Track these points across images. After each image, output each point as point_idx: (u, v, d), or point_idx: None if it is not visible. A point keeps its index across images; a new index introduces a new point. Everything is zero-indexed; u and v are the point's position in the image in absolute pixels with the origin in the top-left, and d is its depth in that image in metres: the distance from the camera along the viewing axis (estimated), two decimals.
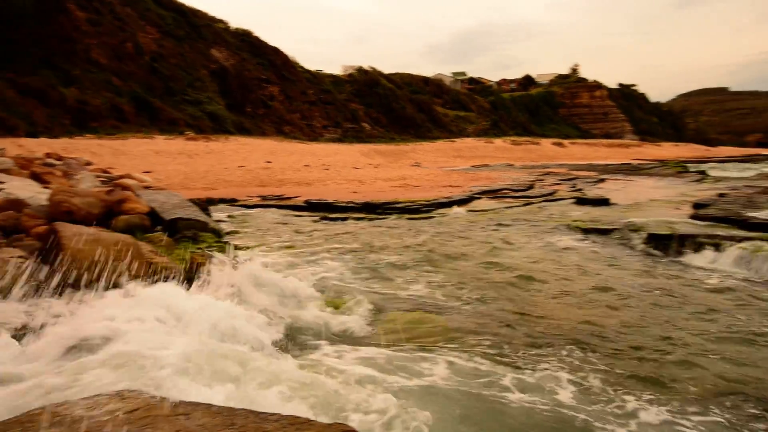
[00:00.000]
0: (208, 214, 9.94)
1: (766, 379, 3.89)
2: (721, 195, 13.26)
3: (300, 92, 55.41)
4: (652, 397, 3.60)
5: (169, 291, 4.11)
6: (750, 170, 33.80)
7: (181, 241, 6.54)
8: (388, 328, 4.78)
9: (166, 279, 4.48)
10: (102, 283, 3.96)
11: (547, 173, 29.00)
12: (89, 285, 3.91)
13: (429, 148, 52.69)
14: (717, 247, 7.82)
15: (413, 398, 3.42)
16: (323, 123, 55.24)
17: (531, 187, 19.50)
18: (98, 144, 25.89)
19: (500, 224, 11.08)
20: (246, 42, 54.39)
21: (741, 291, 6.19)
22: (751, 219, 8.76)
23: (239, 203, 14.34)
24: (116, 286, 4.02)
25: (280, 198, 15.64)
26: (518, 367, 4.03)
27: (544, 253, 8.28)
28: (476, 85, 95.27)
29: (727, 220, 9.07)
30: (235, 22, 64.04)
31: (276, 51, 57.20)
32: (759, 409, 3.46)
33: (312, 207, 13.65)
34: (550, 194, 16.95)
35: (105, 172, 13.29)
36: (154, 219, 6.76)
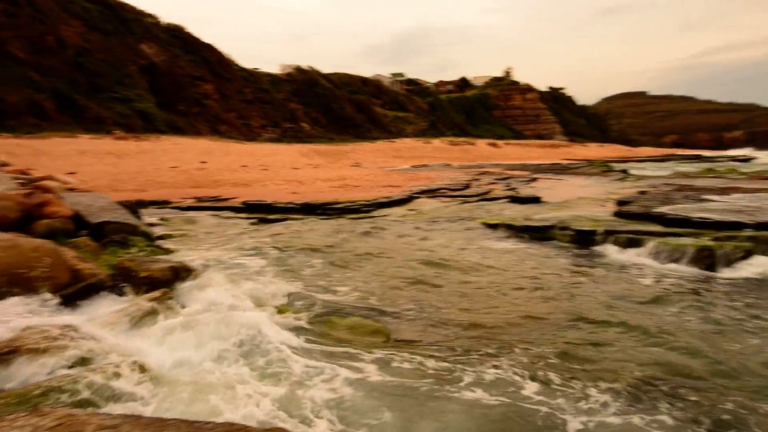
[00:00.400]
0: (139, 217, 9.52)
1: (674, 362, 4.19)
2: (642, 193, 14.15)
3: (236, 91, 54.05)
4: (598, 386, 3.80)
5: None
6: (667, 169, 36.31)
7: (109, 245, 6.24)
8: (327, 331, 4.78)
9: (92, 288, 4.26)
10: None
11: (483, 173, 29.85)
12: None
13: (369, 149, 52.86)
14: (637, 243, 8.35)
15: (359, 396, 3.45)
16: (261, 122, 54.17)
17: (468, 186, 20.00)
18: (16, 144, 24.12)
19: (438, 223, 11.31)
20: (178, 38, 52.42)
21: (658, 283, 6.64)
22: (667, 215, 9.40)
23: (173, 205, 13.82)
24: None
25: (216, 199, 15.21)
26: (462, 363, 4.14)
27: (479, 252, 8.52)
28: (414, 86, 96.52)
29: (646, 216, 9.68)
30: (166, 16, 61.62)
31: (210, 48, 55.50)
32: (667, 392, 3.73)
33: (250, 208, 13.37)
34: (486, 193, 17.46)
35: (24, 173, 12.39)
36: (79, 223, 6.41)
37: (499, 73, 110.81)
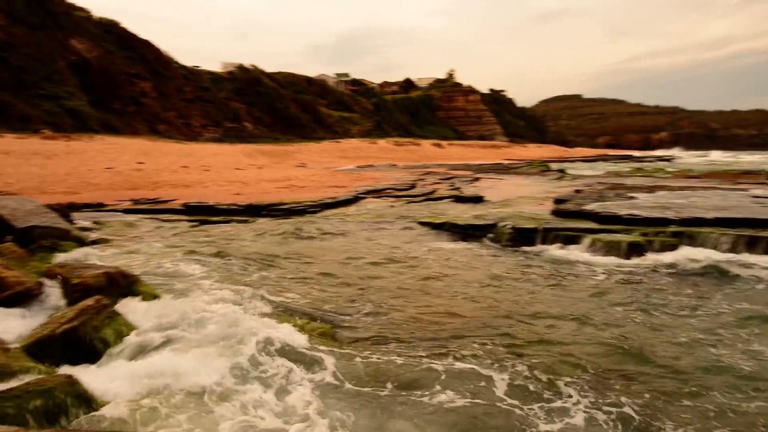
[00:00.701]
0: (70, 221, 9.05)
1: (619, 350, 4.43)
2: (577, 191, 14.79)
3: (176, 89, 52.24)
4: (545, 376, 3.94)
5: None
6: (600, 168, 38.13)
7: (37, 251, 5.89)
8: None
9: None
10: None
11: (428, 173, 30.29)
12: None
13: (314, 149, 52.46)
14: (574, 240, 8.74)
15: (329, 394, 3.42)
16: (202, 122, 52.62)
17: (413, 186, 20.24)
18: None
19: (384, 224, 11.38)
20: (112, 33, 50.07)
21: (595, 276, 6.97)
22: (601, 213, 9.88)
23: (108, 208, 13.20)
24: None
25: (155, 201, 14.65)
26: (410, 359, 4.19)
27: (425, 251, 8.65)
28: (359, 86, 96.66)
29: (582, 214, 10.13)
30: (99, 10, 58.58)
31: (148, 44, 53.35)
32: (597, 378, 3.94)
33: (191, 210, 12.97)
34: (431, 193, 17.73)
35: None
36: (3, 228, 6.02)
37: (442, 75, 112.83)
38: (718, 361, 4.23)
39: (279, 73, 75.11)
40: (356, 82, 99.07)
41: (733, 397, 3.65)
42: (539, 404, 3.55)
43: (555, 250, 8.57)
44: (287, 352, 4.10)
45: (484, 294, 6.15)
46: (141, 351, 3.88)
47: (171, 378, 3.39)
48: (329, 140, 60.97)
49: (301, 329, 4.54)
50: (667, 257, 7.70)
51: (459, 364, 4.11)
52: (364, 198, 16.48)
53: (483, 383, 3.81)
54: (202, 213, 12.69)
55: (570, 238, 8.74)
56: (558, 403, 3.57)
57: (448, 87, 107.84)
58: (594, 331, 4.89)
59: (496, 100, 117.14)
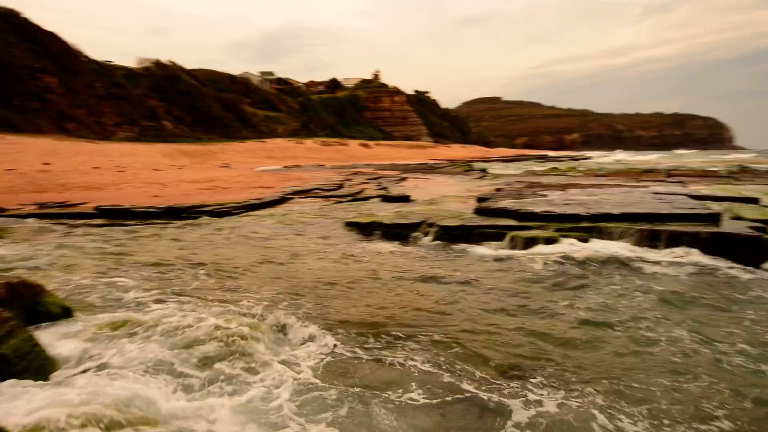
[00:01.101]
0: None
1: (547, 338, 4.68)
2: (498, 190, 15.42)
3: (85, 85, 48.94)
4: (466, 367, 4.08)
5: None
6: (519, 168, 39.96)
7: None
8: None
9: None
10: None
11: (356, 173, 30.38)
12: None
13: (239, 149, 51.06)
14: (496, 236, 9.11)
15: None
16: (116, 120, 49.66)
17: (341, 186, 20.24)
18: None
19: (312, 224, 11.31)
20: (12, 24, 46.08)
21: (514, 270, 7.31)
22: (519, 210, 10.35)
23: (8, 213, 12.18)
24: None
25: (63, 205, 13.67)
26: (344, 358, 4.20)
27: (354, 251, 8.69)
28: (285, 85, 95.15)
29: (502, 212, 10.57)
30: None
31: (53, 36, 49.58)
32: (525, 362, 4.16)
33: (104, 214, 12.24)
34: (359, 193, 17.81)
35: None
36: None
37: (368, 76, 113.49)
38: (610, 335, 4.60)
39: (200, 69, 72.41)
40: (282, 81, 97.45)
41: (611, 363, 3.98)
42: (472, 385, 3.69)
43: (478, 248, 8.90)
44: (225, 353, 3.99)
45: (411, 290, 6.28)
46: (54, 370, 3.63)
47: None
48: (254, 140, 59.56)
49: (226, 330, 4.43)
50: (579, 250, 8.21)
51: (393, 358, 4.19)
52: (291, 198, 16.28)
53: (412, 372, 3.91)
54: (117, 216, 12.02)
55: (491, 236, 9.11)
56: (508, 394, 3.73)
57: (374, 88, 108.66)
58: (516, 320, 5.14)
59: (421, 101, 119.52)
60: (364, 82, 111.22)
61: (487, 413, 3.50)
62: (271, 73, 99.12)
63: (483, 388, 3.80)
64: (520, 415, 3.46)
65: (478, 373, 4.02)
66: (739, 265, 7.41)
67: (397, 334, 4.83)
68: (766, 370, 4.11)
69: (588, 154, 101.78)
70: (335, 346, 4.54)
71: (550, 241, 8.48)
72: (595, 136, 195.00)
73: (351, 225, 10.87)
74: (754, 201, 12.42)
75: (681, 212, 9.27)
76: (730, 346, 4.55)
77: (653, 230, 8.40)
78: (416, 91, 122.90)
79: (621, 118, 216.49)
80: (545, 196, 12.61)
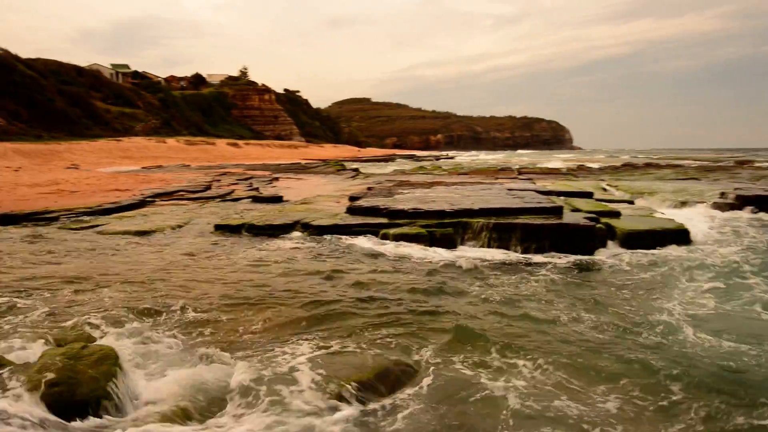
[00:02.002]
0: None
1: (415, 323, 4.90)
2: (370, 189, 15.80)
3: None
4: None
5: None
6: (389, 167, 41.33)
7: None
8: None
9: None
10: None
11: (225, 173, 29.17)
12: None
13: (89, 148, 46.24)
14: (368, 233, 9.36)
15: None
16: None
17: (209, 187, 19.30)
18: None
19: (177, 229, 10.65)
20: None
21: (382, 265, 7.57)
22: (390, 208, 10.72)
23: None
24: None
25: None
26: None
27: (225, 255, 8.36)
28: (142, 80, 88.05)
29: (374, 210, 10.87)
30: None
31: None
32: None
33: None
34: (228, 194, 17.13)
35: None
36: None
37: (235, 73, 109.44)
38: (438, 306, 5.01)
39: (39, 59, 64.21)
40: (138, 75, 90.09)
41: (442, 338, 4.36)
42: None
43: (352, 245, 9.05)
44: None
45: (290, 292, 6.21)
46: None
47: None
48: (108, 138, 54.37)
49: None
50: (444, 246, 8.76)
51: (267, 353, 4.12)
52: (152, 202, 15.16)
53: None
54: None
55: (362, 233, 9.34)
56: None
57: (242, 85, 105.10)
58: (385, 309, 5.33)
59: (292, 101, 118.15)
60: (231, 79, 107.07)
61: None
62: (125, 66, 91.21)
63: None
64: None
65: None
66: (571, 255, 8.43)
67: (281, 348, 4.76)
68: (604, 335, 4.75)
69: (451, 153, 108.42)
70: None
71: (419, 237, 8.91)
72: (457, 136, 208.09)
73: (221, 228, 10.43)
74: (589, 195, 14.16)
75: (531, 206, 10.27)
76: (575, 322, 5.17)
77: (508, 223, 9.22)
78: (286, 90, 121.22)
79: (479, 121, 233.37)
80: (414, 193, 13.20)
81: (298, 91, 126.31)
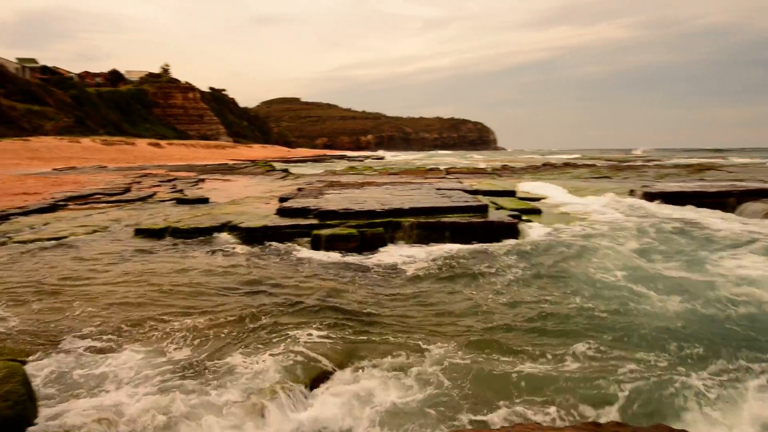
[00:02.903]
0: None
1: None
2: (300, 189, 15.64)
3: None
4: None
5: None
6: (320, 167, 41.08)
7: None
8: None
9: None
10: None
11: (146, 175, 27.81)
12: None
13: None
14: (299, 235, 9.27)
15: None
16: None
17: (128, 190, 18.34)
18: None
19: (93, 234, 10.04)
20: None
21: (314, 267, 7.54)
22: (321, 209, 10.67)
23: None
24: None
25: None
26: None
27: (141, 261, 7.99)
28: (52, 75, 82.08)
29: (304, 211, 10.77)
30: None
31: None
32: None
33: None
34: (150, 197, 16.37)
35: None
36: None
37: (156, 69, 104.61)
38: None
39: None
40: (48, 70, 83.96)
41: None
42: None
43: (281, 248, 8.94)
44: None
45: (214, 297, 6.04)
46: None
47: None
48: (14, 138, 50.25)
49: None
50: (375, 245, 8.85)
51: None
52: (65, 206, 14.17)
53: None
54: None
55: (292, 235, 9.25)
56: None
57: (164, 82, 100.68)
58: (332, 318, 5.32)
59: (218, 99, 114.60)
60: (152, 76, 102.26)
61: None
62: (33, 60, 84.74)
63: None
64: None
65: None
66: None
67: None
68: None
69: (381, 154, 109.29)
70: None
71: (350, 237, 8.94)
72: (387, 137, 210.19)
73: (142, 232, 9.94)
74: (512, 194, 14.80)
75: (458, 205, 10.59)
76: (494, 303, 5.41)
77: (437, 222, 9.46)
78: (212, 89, 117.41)
79: (409, 122, 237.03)
80: (345, 194, 13.21)
81: (224, 90, 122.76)
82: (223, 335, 4.83)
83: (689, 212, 12.01)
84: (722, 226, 10.27)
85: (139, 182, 22.18)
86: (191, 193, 17.89)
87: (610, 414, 3.46)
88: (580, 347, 4.46)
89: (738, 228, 10.05)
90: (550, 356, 4.33)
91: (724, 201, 12.94)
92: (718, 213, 11.96)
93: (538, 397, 3.68)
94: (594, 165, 35.05)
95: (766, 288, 5.93)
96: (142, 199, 15.66)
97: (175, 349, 4.50)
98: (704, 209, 12.37)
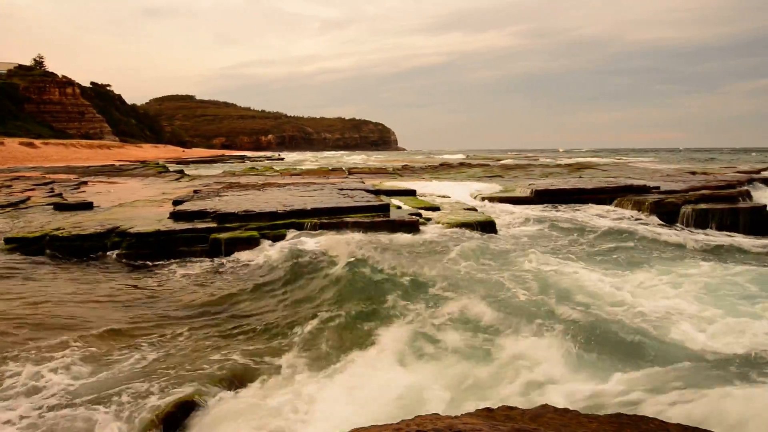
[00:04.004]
0: None
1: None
2: (196, 192, 14.94)
3: None
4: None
5: None
6: (218, 168, 39.48)
7: None
8: None
9: None
10: None
11: (17, 177, 25.07)
12: None
13: None
14: (192, 240, 8.86)
15: None
16: None
17: None
18: None
19: None
20: None
21: (207, 270, 7.26)
22: (219, 211, 10.27)
23: None
24: None
25: None
26: None
27: (11, 276, 7.23)
28: None
29: (201, 214, 10.31)
30: None
31: None
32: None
33: None
34: (23, 202, 14.78)
35: None
36: None
37: (28, 62, 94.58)
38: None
39: None
40: None
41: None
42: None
43: (176, 256, 8.50)
44: None
45: (89, 306, 5.61)
46: None
47: None
48: None
49: None
50: (277, 245, 8.69)
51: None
52: None
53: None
54: None
55: (189, 240, 8.82)
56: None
57: (37, 76, 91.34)
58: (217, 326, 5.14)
59: (102, 95, 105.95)
60: (23, 68, 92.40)
61: None
62: None
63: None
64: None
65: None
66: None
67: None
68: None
69: (283, 154, 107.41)
70: None
71: (251, 240, 8.71)
72: (288, 137, 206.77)
73: (12, 242, 8.93)
74: (412, 193, 15.24)
75: (360, 205, 10.70)
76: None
77: (340, 221, 9.50)
78: (94, 84, 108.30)
79: (310, 122, 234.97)
80: (245, 195, 12.84)
81: (109, 85, 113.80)
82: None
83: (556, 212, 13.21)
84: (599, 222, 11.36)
85: (9, 186, 19.95)
86: (72, 197, 16.41)
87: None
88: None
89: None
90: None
91: (601, 197, 14.31)
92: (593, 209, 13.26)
93: None
94: (487, 165, 37.01)
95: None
96: (13, 205, 14.10)
97: None
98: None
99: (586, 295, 5.94)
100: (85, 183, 22.70)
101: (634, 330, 4.71)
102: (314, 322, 5.15)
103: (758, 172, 20.92)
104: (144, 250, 8.58)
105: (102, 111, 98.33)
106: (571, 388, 3.74)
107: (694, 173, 21.36)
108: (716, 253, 8.68)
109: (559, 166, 34.26)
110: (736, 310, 5.48)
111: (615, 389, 3.65)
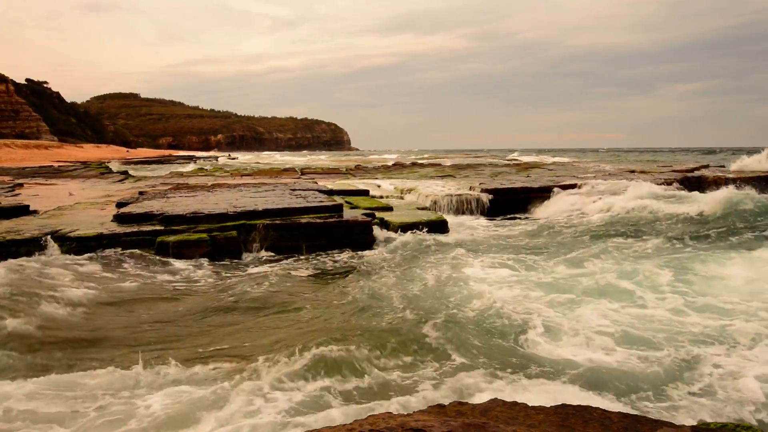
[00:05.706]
0: None
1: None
2: (141, 193, 14.42)
3: None
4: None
5: None
6: (165, 169, 38.26)
7: None
8: None
9: None
10: None
11: None
12: None
13: None
14: (138, 243, 8.56)
15: None
16: None
17: None
18: None
19: None
20: None
21: (166, 276, 7.05)
22: (166, 213, 9.95)
23: None
24: None
25: None
26: None
27: None
28: None
29: (147, 216, 9.97)
30: None
31: None
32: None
33: None
34: None
35: None
36: None
37: None
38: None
39: None
40: None
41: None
42: None
43: (120, 256, 8.19)
44: None
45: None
46: None
47: None
48: None
49: None
50: (230, 252, 8.53)
51: None
52: None
53: None
54: None
55: (134, 243, 8.52)
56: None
57: None
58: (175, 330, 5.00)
59: (38, 93, 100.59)
60: None
61: None
62: None
63: None
64: None
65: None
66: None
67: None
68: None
69: (234, 154, 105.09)
70: None
71: (200, 243, 8.50)
72: (239, 137, 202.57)
73: None
74: (365, 193, 15.27)
75: (313, 205, 10.64)
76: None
77: (292, 223, 9.41)
78: (30, 80, 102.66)
79: (261, 121, 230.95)
80: (194, 197, 12.51)
81: (46, 82, 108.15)
82: None
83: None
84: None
85: None
86: (6, 201, 15.48)
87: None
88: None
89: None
90: None
91: (547, 195, 14.80)
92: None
93: None
94: (439, 165, 37.53)
95: None
96: None
97: None
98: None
99: None
100: (21, 185, 21.47)
101: None
102: None
103: (692, 171, 22.17)
104: (84, 250, 8.22)
105: (39, 109, 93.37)
106: None
107: (633, 171, 22.41)
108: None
109: (507, 165, 35.12)
110: None
111: None
